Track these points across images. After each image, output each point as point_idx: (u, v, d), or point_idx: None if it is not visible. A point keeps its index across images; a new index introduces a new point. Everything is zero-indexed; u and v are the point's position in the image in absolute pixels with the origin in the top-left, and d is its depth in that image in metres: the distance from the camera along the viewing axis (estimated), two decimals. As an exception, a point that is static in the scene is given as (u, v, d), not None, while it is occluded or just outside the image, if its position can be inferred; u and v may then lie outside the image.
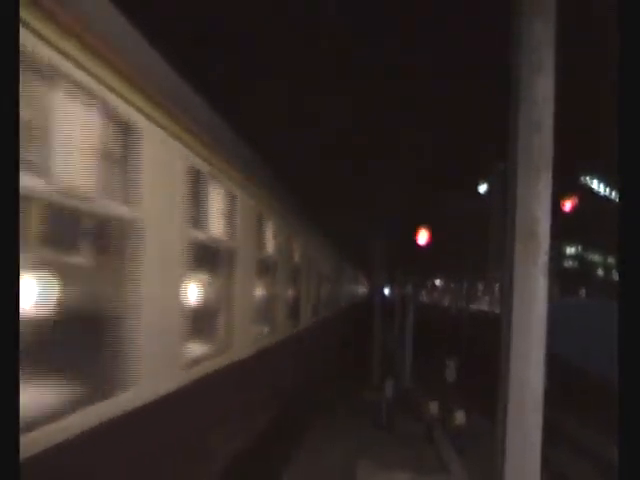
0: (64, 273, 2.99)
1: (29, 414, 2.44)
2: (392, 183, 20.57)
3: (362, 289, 49.21)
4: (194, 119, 4.30)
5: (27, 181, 2.38)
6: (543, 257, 3.33)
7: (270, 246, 7.71)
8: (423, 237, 19.77)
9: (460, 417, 10.87)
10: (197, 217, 4.47)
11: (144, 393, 3.43)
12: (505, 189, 3.50)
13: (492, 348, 4.50)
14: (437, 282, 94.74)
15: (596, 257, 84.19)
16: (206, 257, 5.03)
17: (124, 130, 3.26)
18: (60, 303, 2.87)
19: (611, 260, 78.73)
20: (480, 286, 74.10)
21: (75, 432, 2.75)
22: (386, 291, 35.95)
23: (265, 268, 7.38)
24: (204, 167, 4.56)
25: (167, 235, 3.81)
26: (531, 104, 3.25)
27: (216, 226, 5.17)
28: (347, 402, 14.52)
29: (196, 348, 4.60)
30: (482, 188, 45.31)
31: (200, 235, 4.60)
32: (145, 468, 3.55)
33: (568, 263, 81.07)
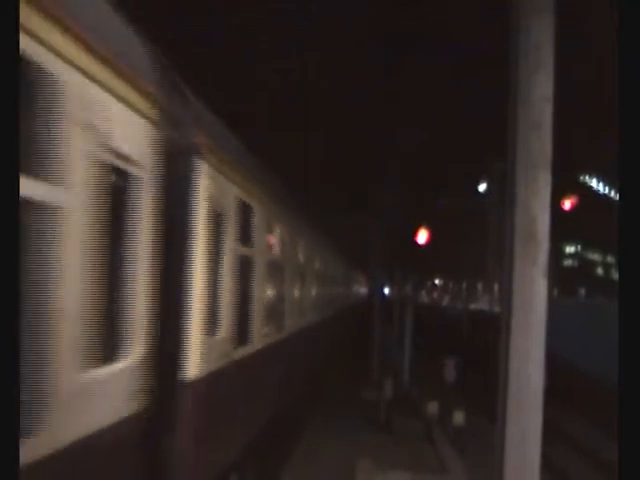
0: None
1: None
2: (393, 183, 20.56)
3: (363, 289, 49.29)
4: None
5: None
6: (542, 256, 3.33)
7: (301, 259, 10.96)
8: (422, 236, 19.78)
9: (459, 417, 10.86)
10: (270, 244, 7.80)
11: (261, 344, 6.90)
12: (504, 188, 3.50)
13: (492, 347, 4.51)
14: (436, 282, 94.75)
15: (595, 256, 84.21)
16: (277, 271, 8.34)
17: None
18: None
19: (610, 259, 78.75)
20: (479, 285, 74.09)
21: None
22: (386, 291, 35.97)
23: (300, 276, 10.73)
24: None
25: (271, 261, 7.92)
26: (530, 103, 3.24)
27: (277, 247, 8.30)
28: (346, 401, 14.53)
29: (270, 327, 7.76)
30: (482, 187, 45.32)
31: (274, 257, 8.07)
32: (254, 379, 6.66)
33: (567, 262, 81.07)
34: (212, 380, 4.68)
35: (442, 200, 36.17)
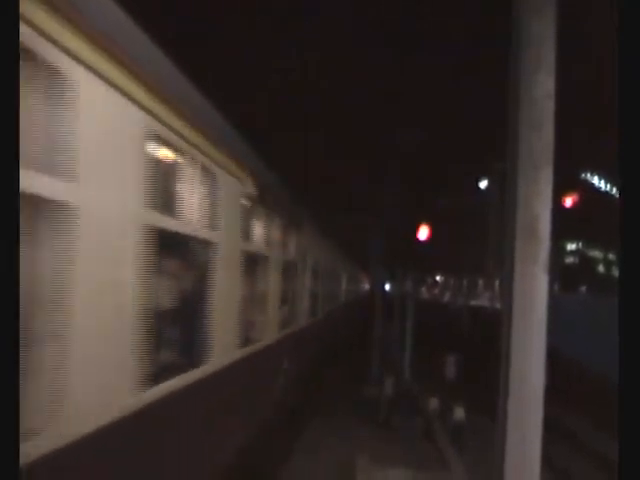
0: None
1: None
2: (393, 179, 20.55)
3: (365, 286, 49.41)
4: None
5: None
6: (544, 254, 3.33)
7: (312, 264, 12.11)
8: (423, 232, 19.77)
9: (460, 413, 10.88)
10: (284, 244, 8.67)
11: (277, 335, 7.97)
12: (505, 186, 3.50)
13: (492, 344, 4.51)
14: (437, 278, 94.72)
15: (597, 253, 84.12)
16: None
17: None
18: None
19: (612, 256, 78.66)
20: (480, 282, 74.06)
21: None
22: (386, 287, 35.98)
23: (311, 276, 11.83)
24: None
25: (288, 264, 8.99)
26: (531, 102, 3.24)
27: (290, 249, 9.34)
28: (347, 397, 14.55)
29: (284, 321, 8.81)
30: (483, 184, 45.25)
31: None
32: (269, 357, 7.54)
33: (569, 259, 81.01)
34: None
35: (442, 199, 36.15)
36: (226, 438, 5.49)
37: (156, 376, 3.64)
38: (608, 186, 76.74)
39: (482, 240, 39.10)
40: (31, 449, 2.40)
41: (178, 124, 3.89)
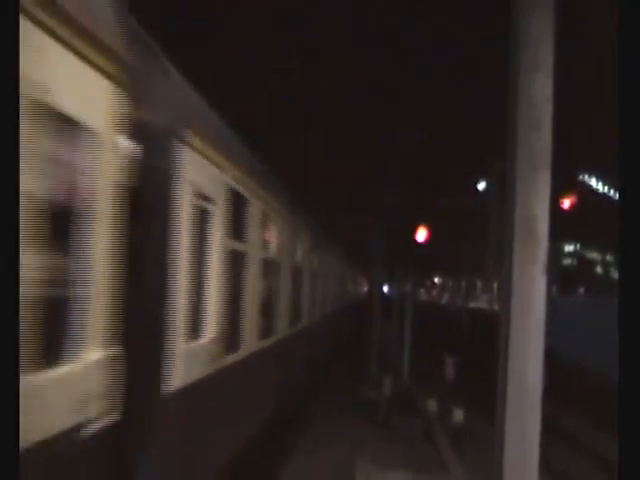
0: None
1: None
2: (392, 182, 20.57)
3: (363, 287, 49.41)
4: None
5: None
6: (542, 255, 3.34)
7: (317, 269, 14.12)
8: (422, 234, 19.78)
9: (458, 415, 10.87)
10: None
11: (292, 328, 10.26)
12: (504, 187, 3.50)
13: (491, 346, 4.52)
14: (436, 280, 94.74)
15: (595, 255, 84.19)
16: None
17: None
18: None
19: (610, 258, 78.74)
20: (479, 284, 74.08)
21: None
22: (385, 289, 35.99)
23: (314, 280, 13.48)
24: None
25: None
26: (530, 103, 3.25)
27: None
28: (346, 399, 14.54)
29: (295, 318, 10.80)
30: (481, 186, 45.29)
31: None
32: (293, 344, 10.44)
33: (567, 261, 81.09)
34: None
35: (442, 199, 36.17)
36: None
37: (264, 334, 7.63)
38: (606, 188, 76.86)
39: (481, 241, 39.14)
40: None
41: (249, 183, 6.42)
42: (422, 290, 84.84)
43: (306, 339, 12.51)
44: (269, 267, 8.13)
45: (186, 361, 4.27)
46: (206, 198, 4.89)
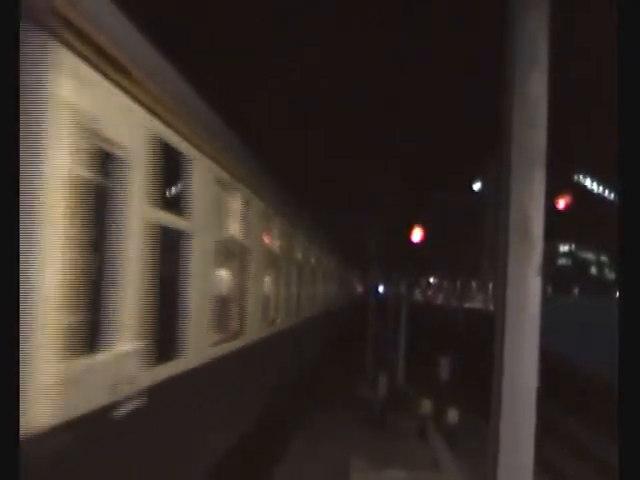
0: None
1: None
2: (387, 182, 20.60)
3: (359, 288, 49.52)
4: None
5: None
6: (537, 256, 3.33)
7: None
8: (417, 235, 19.79)
9: (453, 415, 10.88)
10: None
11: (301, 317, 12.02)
12: (499, 188, 3.49)
13: (485, 346, 4.51)
14: (431, 280, 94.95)
15: (589, 255, 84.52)
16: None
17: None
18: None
19: (604, 258, 79.05)
20: (474, 284, 74.28)
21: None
22: (380, 289, 36.05)
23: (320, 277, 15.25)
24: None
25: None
26: (525, 101, 3.23)
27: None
28: (341, 398, 14.54)
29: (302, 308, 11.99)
30: (476, 186, 45.38)
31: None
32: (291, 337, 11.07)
33: (561, 261, 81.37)
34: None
35: (437, 199, 36.24)
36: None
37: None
38: (601, 188, 77.14)
39: (476, 242, 39.24)
40: None
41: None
42: (417, 290, 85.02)
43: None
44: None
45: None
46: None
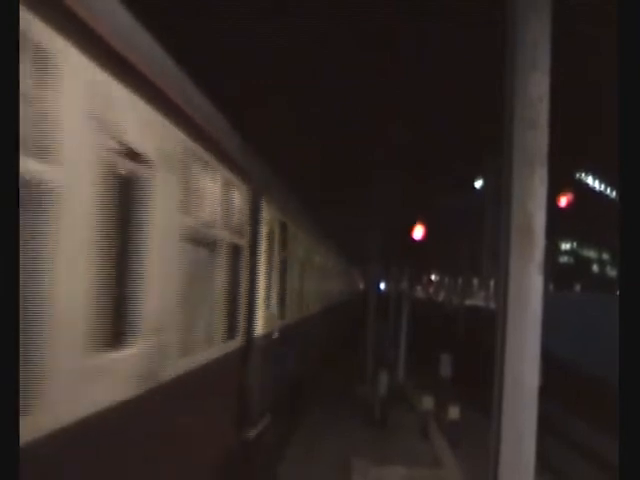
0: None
1: None
2: (389, 179, 20.58)
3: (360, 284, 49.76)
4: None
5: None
6: (538, 253, 3.34)
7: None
8: (419, 232, 19.79)
9: (454, 412, 10.89)
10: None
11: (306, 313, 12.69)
12: (501, 186, 3.51)
13: (487, 343, 4.53)
14: (432, 277, 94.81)
15: (591, 253, 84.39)
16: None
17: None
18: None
19: (606, 256, 78.92)
20: (475, 281, 74.17)
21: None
22: (382, 286, 36.00)
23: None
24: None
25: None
26: (526, 101, 3.25)
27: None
28: (341, 396, 14.56)
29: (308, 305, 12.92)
30: (478, 184, 45.30)
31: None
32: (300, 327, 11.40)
33: (563, 259, 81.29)
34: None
35: (439, 197, 36.20)
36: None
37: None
38: (602, 186, 76.99)
39: (478, 239, 39.16)
40: None
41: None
42: (419, 287, 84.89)
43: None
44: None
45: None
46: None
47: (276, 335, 8.00)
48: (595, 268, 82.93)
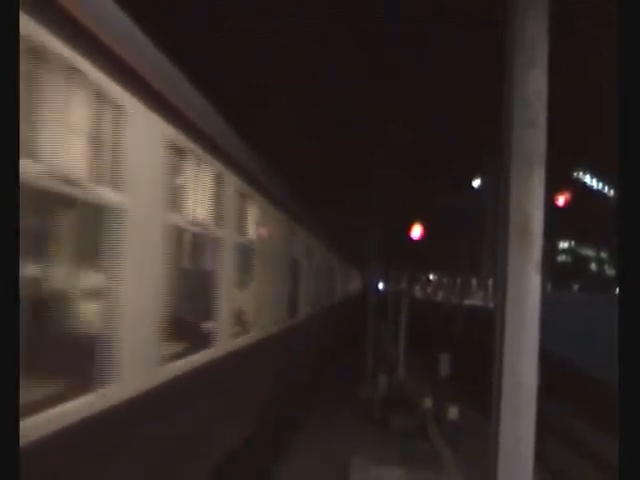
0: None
1: None
2: (388, 179, 20.58)
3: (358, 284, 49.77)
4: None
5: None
6: (536, 253, 3.34)
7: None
8: (417, 231, 19.81)
9: (453, 412, 10.90)
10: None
11: (313, 311, 13.31)
12: (498, 186, 3.50)
13: (485, 343, 4.53)
14: (431, 277, 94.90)
15: (589, 252, 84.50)
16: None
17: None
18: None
19: (604, 254, 79.03)
20: (474, 281, 74.26)
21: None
22: (380, 286, 36.01)
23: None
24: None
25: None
26: (524, 100, 3.24)
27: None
28: (341, 397, 14.56)
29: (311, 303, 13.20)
30: (476, 183, 45.34)
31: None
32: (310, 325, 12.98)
33: (561, 257, 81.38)
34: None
35: (438, 197, 36.24)
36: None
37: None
38: (600, 185, 77.09)
39: (476, 239, 39.22)
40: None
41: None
42: (417, 287, 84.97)
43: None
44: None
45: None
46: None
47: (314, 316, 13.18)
48: (593, 266, 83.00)
